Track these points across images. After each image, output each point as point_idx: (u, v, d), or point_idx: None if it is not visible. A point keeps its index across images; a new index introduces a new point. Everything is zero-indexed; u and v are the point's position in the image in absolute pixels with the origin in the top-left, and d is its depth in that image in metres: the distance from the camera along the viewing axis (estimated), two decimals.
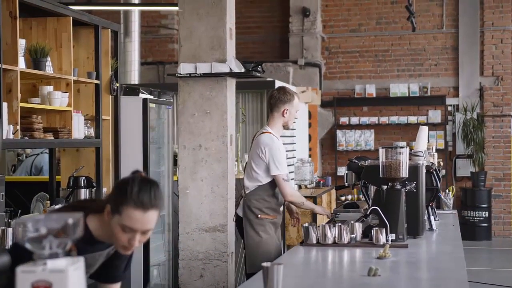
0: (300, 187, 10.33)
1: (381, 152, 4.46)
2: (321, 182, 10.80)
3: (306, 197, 9.00)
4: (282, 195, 5.06)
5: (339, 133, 12.92)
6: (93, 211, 2.70)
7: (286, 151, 8.70)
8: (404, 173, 4.42)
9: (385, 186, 4.43)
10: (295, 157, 10.32)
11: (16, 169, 9.19)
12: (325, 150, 13.14)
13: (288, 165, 9.31)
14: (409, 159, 5.07)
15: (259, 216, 5.04)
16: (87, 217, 2.67)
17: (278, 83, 9.80)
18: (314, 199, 9.12)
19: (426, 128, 5.62)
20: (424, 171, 4.75)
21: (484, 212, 12.22)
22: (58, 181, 5.76)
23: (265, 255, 4.92)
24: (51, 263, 1.73)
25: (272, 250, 5.04)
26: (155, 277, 6.62)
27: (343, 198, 11.78)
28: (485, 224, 12.25)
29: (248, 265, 5.10)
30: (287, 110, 5.10)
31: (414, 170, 4.58)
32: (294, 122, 5.31)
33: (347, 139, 12.90)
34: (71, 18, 5.18)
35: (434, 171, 5.08)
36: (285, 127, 5.19)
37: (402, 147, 4.46)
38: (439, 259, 4.08)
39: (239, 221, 5.20)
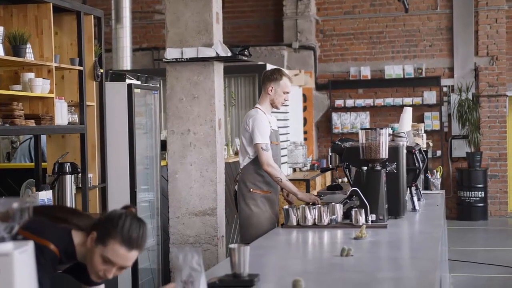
0: (294, 170, 10.35)
1: (361, 133, 4.48)
2: (316, 165, 10.81)
3: (299, 180, 9.12)
4: (260, 163, 5.14)
5: (334, 115, 12.92)
6: (78, 227, 2.73)
7: (280, 134, 8.74)
8: (384, 154, 4.44)
9: (365, 167, 4.45)
10: (288, 140, 10.33)
11: (11, 156, 9.22)
12: (321, 133, 13.14)
13: (282, 148, 9.38)
14: (392, 140, 5.10)
15: (251, 190, 5.20)
16: (74, 231, 2.71)
17: (269, 67, 9.80)
18: (307, 182, 9.15)
19: (410, 109, 5.63)
20: (405, 152, 4.75)
21: (480, 192, 12.23)
22: (44, 168, 5.78)
23: (256, 228, 5.09)
24: None
25: (263, 225, 5.14)
26: (144, 261, 6.65)
27: (339, 180, 11.79)
28: (481, 204, 12.27)
29: (241, 237, 5.31)
30: (272, 88, 5.28)
31: (394, 151, 4.59)
32: (284, 104, 5.43)
33: (343, 122, 12.90)
34: (51, 4, 5.16)
35: (417, 152, 5.09)
36: (273, 105, 5.33)
37: (381, 129, 4.47)
38: (415, 239, 4.11)
39: (236, 196, 5.37)
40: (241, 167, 5.30)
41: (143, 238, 2.66)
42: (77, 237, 2.71)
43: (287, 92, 5.35)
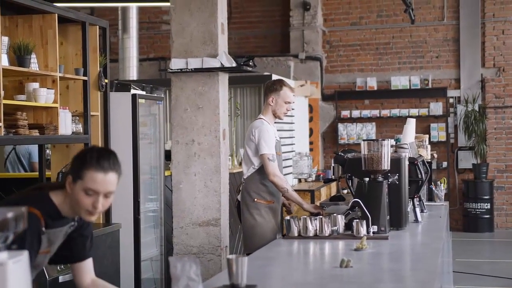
0: (299, 180, 10.35)
1: (363, 144, 4.48)
2: (322, 175, 10.80)
3: (304, 190, 9.12)
4: (266, 173, 5.17)
5: (340, 126, 12.92)
6: (55, 187, 2.85)
7: (284, 144, 8.77)
8: (386, 165, 4.44)
9: (367, 179, 4.45)
10: (294, 151, 10.34)
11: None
12: (327, 143, 13.14)
13: (286, 159, 9.38)
14: (395, 152, 5.10)
15: (255, 200, 5.23)
16: (50, 192, 2.83)
17: (275, 78, 9.82)
18: (312, 192, 9.14)
19: (413, 120, 5.63)
20: (407, 163, 4.75)
21: (486, 204, 12.19)
22: (48, 177, 5.81)
23: (260, 238, 5.12)
24: None
25: (267, 235, 5.17)
26: (147, 271, 6.66)
27: (345, 191, 11.75)
28: (487, 216, 12.22)
29: (245, 247, 5.34)
30: (273, 98, 5.34)
31: (396, 162, 4.59)
32: (286, 114, 5.45)
33: (349, 133, 12.90)
34: (56, 15, 5.21)
35: (419, 163, 5.08)
36: (275, 115, 5.38)
37: (383, 140, 4.48)
38: (416, 250, 4.10)
39: (239, 206, 5.39)
40: (245, 177, 5.32)
41: (115, 163, 2.76)
42: (56, 196, 2.81)
43: (289, 102, 5.38)
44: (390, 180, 4.53)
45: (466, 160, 12.53)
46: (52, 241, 2.85)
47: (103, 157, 2.74)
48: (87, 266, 3.05)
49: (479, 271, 8.94)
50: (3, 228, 1.77)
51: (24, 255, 1.82)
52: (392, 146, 5.04)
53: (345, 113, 12.91)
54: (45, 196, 2.81)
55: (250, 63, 5.84)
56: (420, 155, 5.57)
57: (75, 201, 2.74)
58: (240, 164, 8.57)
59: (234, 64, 5.63)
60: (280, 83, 5.41)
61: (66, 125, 5.32)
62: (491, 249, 11.30)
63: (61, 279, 4.44)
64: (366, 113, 12.83)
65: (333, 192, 11.06)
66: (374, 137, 12.62)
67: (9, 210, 1.79)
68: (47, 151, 6.22)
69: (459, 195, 12.59)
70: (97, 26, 5.94)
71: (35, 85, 5.06)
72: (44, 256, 2.86)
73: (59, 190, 2.82)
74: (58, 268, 4.46)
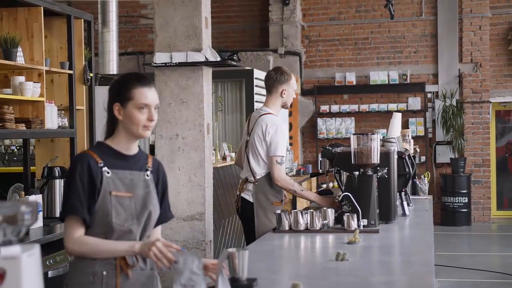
0: None
1: (353, 138, 4.50)
2: (302, 170, 10.84)
3: None
4: (271, 176, 4.91)
5: (320, 121, 12.96)
6: (105, 138, 2.96)
7: None
8: (375, 159, 4.46)
9: (356, 173, 4.47)
10: None
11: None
12: (306, 138, 13.18)
13: None
14: (382, 146, 5.13)
15: (273, 203, 4.99)
16: (104, 143, 2.93)
17: (256, 72, 9.82)
18: None
19: (399, 114, 5.66)
20: (396, 157, 4.78)
21: (463, 197, 12.32)
22: (33, 172, 5.75)
23: None
24: (5, 250, 1.73)
25: None
26: None
27: (324, 186, 11.81)
28: (465, 210, 12.36)
29: None
30: (285, 90, 5.03)
31: (385, 156, 4.61)
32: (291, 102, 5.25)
33: (328, 127, 12.95)
34: (42, 8, 5.15)
35: (406, 157, 5.12)
36: (284, 107, 5.11)
37: (373, 134, 4.50)
38: (408, 243, 4.13)
39: (245, 205, 5.05)
40: (258, 177, 4.97)
41: (150, 79, 2.98)
42: (110, 141, 2.91)
43: (295, 90, 5.15)
44: (379, 174, 4.56)
45: (444, 155, 12.65)
46: (128, 184, 2.87)
47: (141, 75, 2.93)
48: (155, 233, 3.07)
49: (459, 264, 9.03)
50: (16, 222, 1.75)
51: (37, 249, 1.81)
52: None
53: (324, 108, 12.96)
54: (97, 143, 2.96)
55: (235, 58, 5.83)
56: (406, 149, 5.61)
57: (130, 123, 2.86)
58: (224, 158, 8.56)
59: (218, 59, 5.61)
60: (288, 72, 5.08)
61: (52, 119, 5.27)
62: (469, 242, 11.43)
63: (50, 274, 4.40)
64: (345, 108, 12.89)
65: (314, 186, 11.10)
66: (353, 132, 12.67)
67: (21, 204, 1.77)
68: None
69: (437, 189, 12.70)
70: (82, 20, 5.88)
71: (21, 78, 5.00)
72: (130, 200, 2.87)
73: (110, 135, 2.93)
74: (47, 263, 4.41)
